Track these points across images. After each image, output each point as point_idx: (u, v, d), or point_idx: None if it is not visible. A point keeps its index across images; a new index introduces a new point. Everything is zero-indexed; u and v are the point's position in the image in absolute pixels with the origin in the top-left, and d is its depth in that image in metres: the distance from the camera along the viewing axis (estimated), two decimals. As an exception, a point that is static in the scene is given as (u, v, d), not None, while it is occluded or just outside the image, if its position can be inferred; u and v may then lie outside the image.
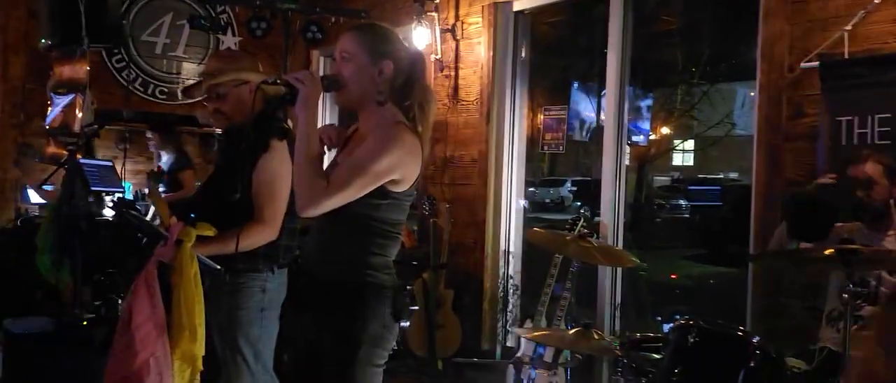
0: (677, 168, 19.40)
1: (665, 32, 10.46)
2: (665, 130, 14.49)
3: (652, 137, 14.06)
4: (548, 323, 3.89)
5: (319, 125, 2.24)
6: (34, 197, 4.79)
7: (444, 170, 5.03)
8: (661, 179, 17.53)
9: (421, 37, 4.96)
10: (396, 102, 2.06)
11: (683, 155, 19.68)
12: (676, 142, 16.63)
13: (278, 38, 4.67)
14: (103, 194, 4.17)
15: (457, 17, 4.97)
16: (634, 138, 12.35)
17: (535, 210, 15.58)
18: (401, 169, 1.96)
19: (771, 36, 3.38)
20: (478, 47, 4.81)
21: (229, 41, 6.08)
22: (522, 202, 4.94)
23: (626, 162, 4.33)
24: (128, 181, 5.63)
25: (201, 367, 2.05)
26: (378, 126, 2.01)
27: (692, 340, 2.22)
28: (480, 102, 4.79)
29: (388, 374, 2.13)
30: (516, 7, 4.73)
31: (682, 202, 14.64)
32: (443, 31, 5.00)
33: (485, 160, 4.74)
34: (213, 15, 5.98)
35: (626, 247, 4.23)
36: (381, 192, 1.97)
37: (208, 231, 2.10)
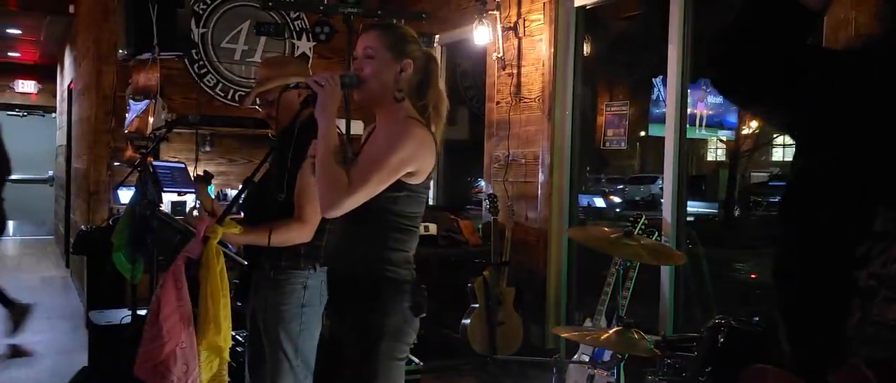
0: (777, 163, 18.53)
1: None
2: (755, 123, 13.87)
3: (744, 132, 13.50)
4: (607, 323, 3.83)
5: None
6: (123, 197, 5.12)
7: (506, 168, 5.03)
8: (760, 175, 16.79)
9: (483, 35, 4.98)
10: (412, 101, 2.12)
11: (784, 150, 18.79)
12: (775, 136, 15.88)
13: (344, 43, 4.79)
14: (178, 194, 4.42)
15: (518, 14, 4.96)
16: (721, 133, 11.89)
17: (624, 208, 15.26)
18: (415, 161, 2.01)
19: (835, 23, 3.21)
20: (539, 44, 4.79)
21: (304, 46, 6.29)
22: (597, 200, 4.88)
23: (717, 157, 4.19)
24: (211, 182, 5.92)
25: (227, 358, 2.16)
26: (389, 122, 2.07)
27: (722, 340, 2.16)
28: (542, 99, 4.76)
29: (450, 372, 2.17)
30: (578, 2, 4.68)
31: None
32: (504, 29, 5.00)
33: (547, 157, 4.71)
34: (289, 21, 6.20)
35: (705, 244, 4.10)
36: (398, 185, 2.02)
37: (234, 228, 2.21)
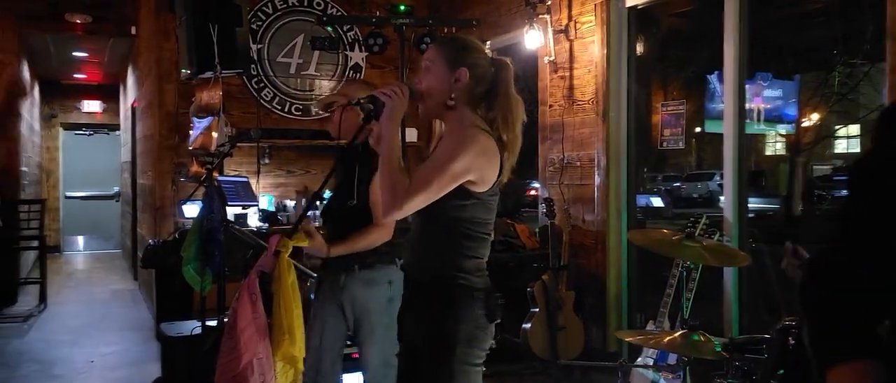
0: (841, 155, 17.97)
1: (813, 12, 9.77)
2: (817, 116, 13.48)
3: (805, 124, 13.14)
4: (671, 325, 3.79)
5: None
6: (188, 211, 5.29)
7: (562, 171, 5.02)
8: (823, 168, 16.32)
9: (534, 39, 4.99)
10: (479, 110, 2.14)
11: (849, 141, 18.21)
12: (837, 127, 15.41)
13: (397, 52, 4.86)
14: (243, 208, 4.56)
15: (569, 17, 4.95)
16: (780, 127, 11.61)
17: (682, 206, 14.98)
18: (476, 170, 2.03)
19: (898, 13, 3.13)
20: (591, 46, 4.77)
21: (357, 57, 6.40)
22: (655, 199, 4.84)
23: (777, 151, 4.13)
24: (270, 194, 6.08)
25: (302, 368, 2.22)
26: (453, 130, 2.10)
27: (793, 342, 2.12)
28: (596, 101, 4.74)
29: (512, 376, 2.20)
30: (629, 2, 4.65)
31: (845, 192, 13.51)
32: (556, 33, 5.00)
33: (603, 159, 4.69)
34: (342, 34, 6.32)
35: (768, 242, 4.02)
36: (464, 194, 2.05)
37: (302, 242, 2.28)
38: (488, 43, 5.24)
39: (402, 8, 4.75)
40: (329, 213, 2.96)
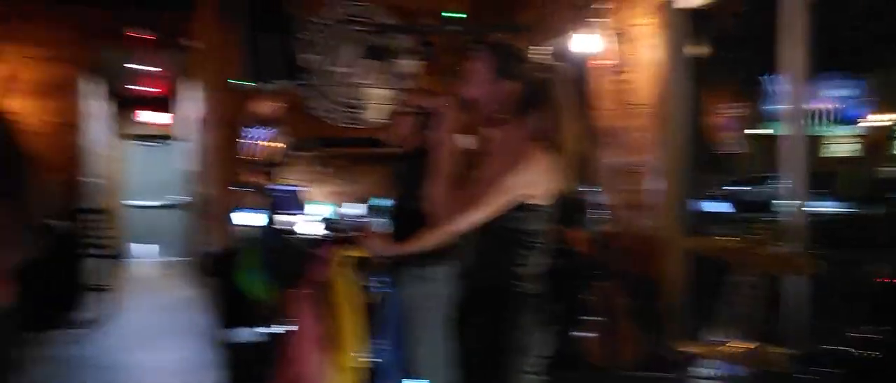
0: (917, 155, 17.24)
1: (882, 8, 9.42)
2: (891, 116, 12.96)
3: (872, 124, 12.66)
4: (732, 335, 3.69)
5: None
6: (244, 220, 5.39)
7: (618, 177, 4.94)
8: (893, 170, 15.72)
9: (589, 43, 4.94)
10: (530, 119, 2.12)
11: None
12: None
13: (447, 60, 4.88)
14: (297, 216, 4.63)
15: (625, 20, 4.88)
16: (843, 128, 11.21)
17: (743, 210, 14.61)
18: (531, 185, 2.02)
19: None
20: (647, 49, 4.69)
21: (408, 65, 6.44)
22: (713, 204, 4.74)
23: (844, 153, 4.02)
24: (326, 202, 6.15)
25: (358, 375, 2.23)
26: (505, 144, 2.08)
27: (862, 353, 2.04)
28: (652, 105, 4.66)
29: None
30: (684, 4, 4.55)
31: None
32: (610, 36, 4.93)
33: (659, 164, 4.60)
34: (393, 42, 6.36)
35: (833, 247, 3.88)
36: (520, 205, 2.04)
37: (357, 252, 2.29)
38: (542, 47, 5.21)
39: (451, 15, 4.76)
40: (391, 217, 3.11)
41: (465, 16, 4.64)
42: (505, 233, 2.08)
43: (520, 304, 2.07)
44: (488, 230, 2.08)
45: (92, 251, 7.67)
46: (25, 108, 7.43)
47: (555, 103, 2.12)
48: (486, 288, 2.12)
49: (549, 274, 2.16)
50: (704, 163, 4.90)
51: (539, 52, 2.25)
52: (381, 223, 3.23)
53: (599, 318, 4.43)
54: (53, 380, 5.00)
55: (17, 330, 2.70)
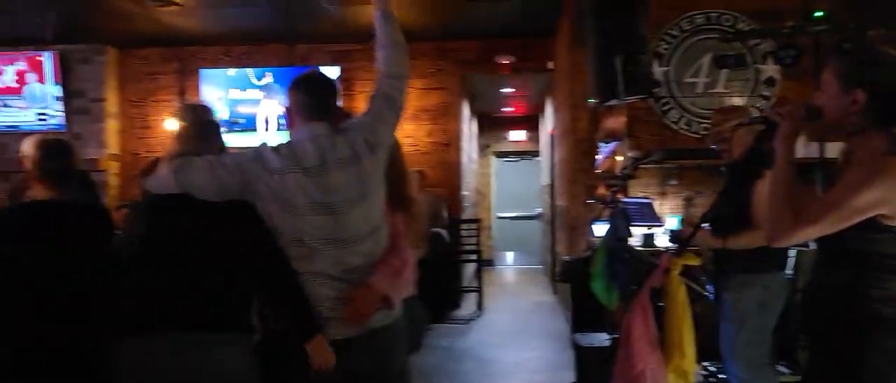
0: None
1: None
2: None
3: None
4: None
5: None
6: (598, 231, 5.64)
7: None
8: None
9: None
10: (889, 131, 1.97)
11: None
12: None
13: (812, 63, 4.55)
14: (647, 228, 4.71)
15: None
16: None
17: None
18: (889, 203, 1.87)
19: None
20: None
21: (770, 71, 6.11)
22: None
23: None
24: (678, 214, 6.12)
25: (693, 382, 2.28)
26: (861, 158, 1.96)
27: None
28: None
29: None
30: None
31: None
32: None
33: None
34: (750, 48, 6.09)
35: None
36: (876, 227, 1.91)
37: (693, 260, 2.34)
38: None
39: (819, 14, 4.41)
40: (716, 224, 3.20)
41: (825, 14, 4.28)
42: (856, 255, 1.95)
43: (872, 326, 1.92)
44: (836, 250, 1.97)
45: (468, 257, 8.64)
46: (414, 132, 8.71)
47: None
48: (831, 308, 2.00)
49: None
50: None
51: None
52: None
53: None
54: (441, 367, 5.78)
55: (423, 317, 3.35)
